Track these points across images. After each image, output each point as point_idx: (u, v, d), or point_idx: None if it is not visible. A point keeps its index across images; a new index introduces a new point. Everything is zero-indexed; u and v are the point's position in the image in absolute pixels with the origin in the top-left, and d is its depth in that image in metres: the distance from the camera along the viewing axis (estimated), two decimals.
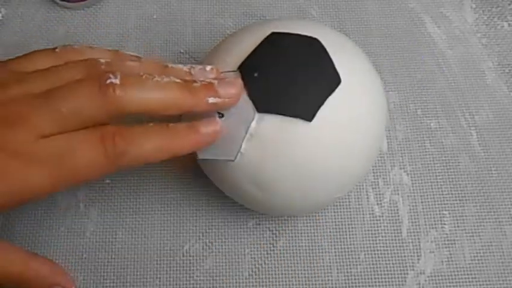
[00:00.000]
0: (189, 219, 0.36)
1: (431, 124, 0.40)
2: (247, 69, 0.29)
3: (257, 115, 0.28)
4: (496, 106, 0.40)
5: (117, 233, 0.36)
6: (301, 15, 0.43)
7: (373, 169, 0.38)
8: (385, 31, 0.43)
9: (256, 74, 0.28)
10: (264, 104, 0.28)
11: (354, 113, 0.29)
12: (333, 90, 0.28)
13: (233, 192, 0.32)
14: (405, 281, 0.35)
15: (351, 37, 0.42)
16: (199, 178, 0.37)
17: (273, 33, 0.30)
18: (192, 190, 0.37)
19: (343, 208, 0.37)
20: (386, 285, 0.35)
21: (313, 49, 0.29)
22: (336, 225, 0.36)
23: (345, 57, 0.30)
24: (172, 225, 0.36)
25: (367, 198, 0.37)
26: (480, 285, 0.35)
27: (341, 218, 0.37)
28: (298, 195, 0.29)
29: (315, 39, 0.29)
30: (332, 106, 0.28)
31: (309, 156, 0.28)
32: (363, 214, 0.37)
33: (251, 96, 0.28)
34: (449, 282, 0.35)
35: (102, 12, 0.43)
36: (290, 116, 0.27)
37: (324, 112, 0.28)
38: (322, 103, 0.28)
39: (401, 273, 0.35)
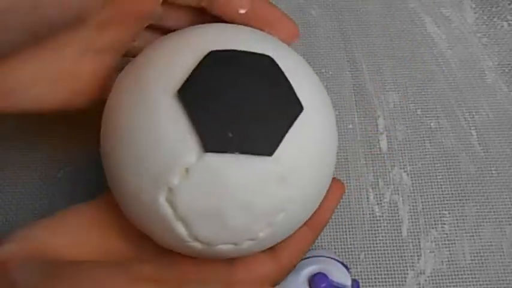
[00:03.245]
0: None
1: (431, 124, 0.39)
2: (187, 96, 0.22)
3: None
4: (496, 106, 0.40)
5: None
6: (300, 15, 0.43)
7: (373, 169, 0.38)
8: (385, 31, 0.43)
9: (199, 103, 0.22)
10: (214, 141, 0.22)
11: (311, 141, 0.24)
12: (295, 119, 0.23)
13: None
14: (405, 281, 0.35)
15: (351, 37, 0.42)
16: None
17: (212, 52, 0.24)
18: None
19: (343, 208, 0.37)
20: (386, 285, 0.35)
21: (266, 69, 0.24)
22: (335, 225, 0.36)
23: (300, 77, 0.25)
24: None
25: (367, 198, 0.37)
26: (480, 285, 0.35)
27: (341, 218, 0.36)
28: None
29: (267, 56, 0.24)
30: (292, 136, 0.23)
31: (264, 194, 0.23)
32: (363, 214, 0.37)
33: (197, 131, 0.22)
34: (449, 282, 0.35)
35: None
36: (247, 154, 0.22)
37: (283, 144, 0.23)
38: (284, 135, 0.23)
39: (401, 273, 0.35)
